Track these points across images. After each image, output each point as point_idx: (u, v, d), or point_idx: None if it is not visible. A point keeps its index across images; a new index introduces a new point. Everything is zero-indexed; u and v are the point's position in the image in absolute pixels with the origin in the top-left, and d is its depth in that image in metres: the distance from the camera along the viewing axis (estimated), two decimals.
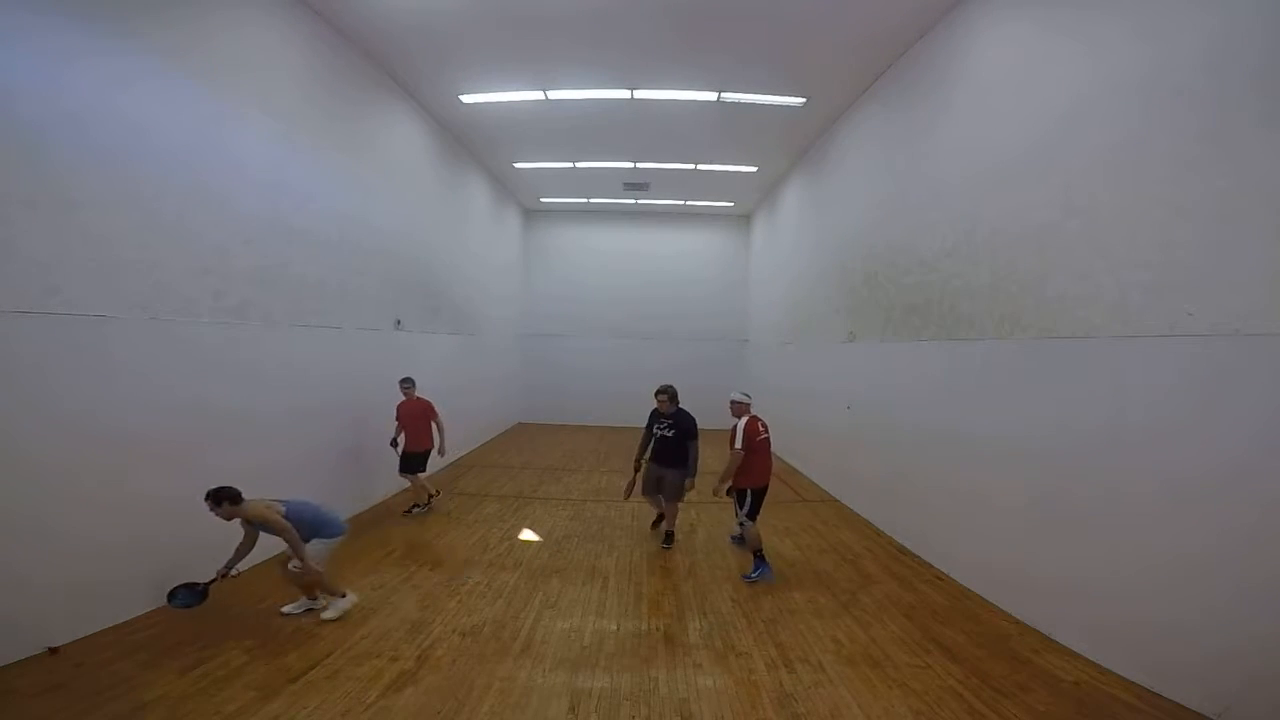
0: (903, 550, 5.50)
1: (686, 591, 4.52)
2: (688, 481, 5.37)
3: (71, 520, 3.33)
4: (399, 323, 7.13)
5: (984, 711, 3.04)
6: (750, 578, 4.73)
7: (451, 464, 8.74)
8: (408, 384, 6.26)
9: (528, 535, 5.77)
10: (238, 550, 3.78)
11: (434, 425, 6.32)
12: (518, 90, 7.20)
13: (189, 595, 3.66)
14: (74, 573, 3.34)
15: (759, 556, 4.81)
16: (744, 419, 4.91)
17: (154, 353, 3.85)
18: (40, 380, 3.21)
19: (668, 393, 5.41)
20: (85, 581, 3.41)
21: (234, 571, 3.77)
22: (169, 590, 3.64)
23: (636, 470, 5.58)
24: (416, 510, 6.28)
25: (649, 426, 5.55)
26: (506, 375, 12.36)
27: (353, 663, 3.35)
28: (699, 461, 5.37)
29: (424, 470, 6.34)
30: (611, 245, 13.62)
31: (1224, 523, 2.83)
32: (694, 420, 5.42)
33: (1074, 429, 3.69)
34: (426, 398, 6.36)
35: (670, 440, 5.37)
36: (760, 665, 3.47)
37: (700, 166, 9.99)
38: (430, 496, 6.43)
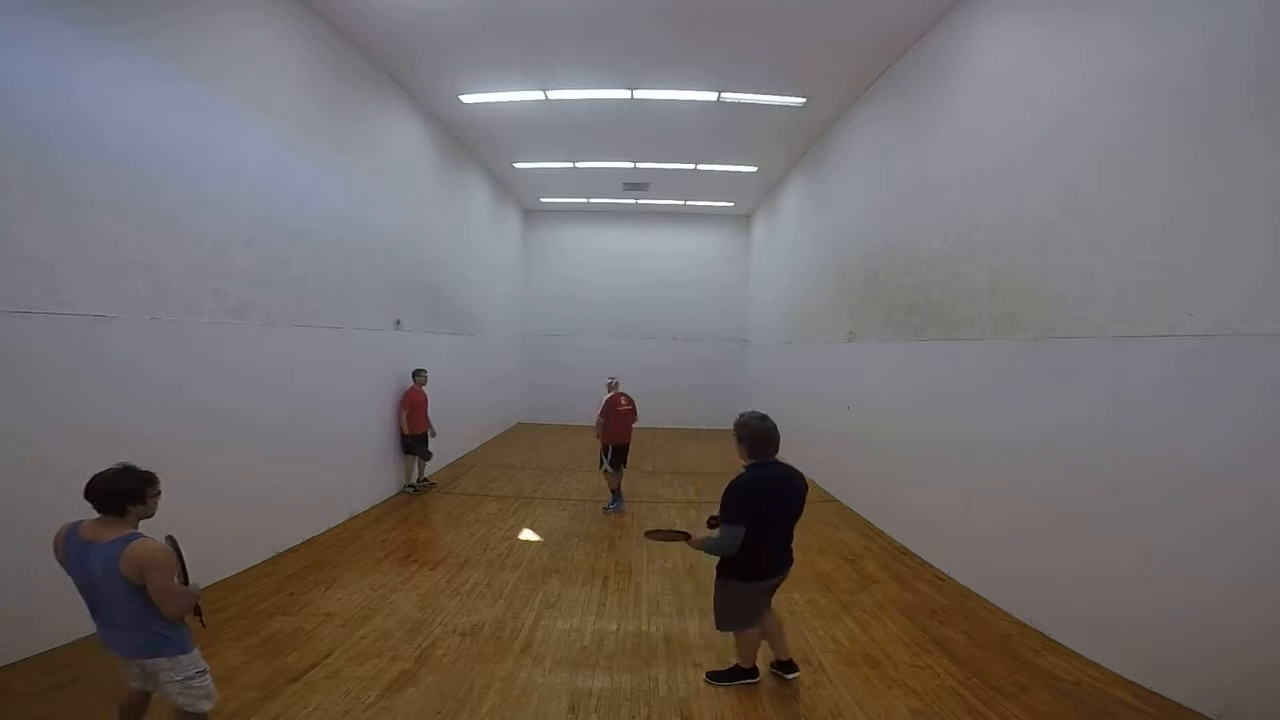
0: (903, 550, 5.50)
1: (686, 591, 4.52)
2: None
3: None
4: (399, 323, 7.13)
5: (984, 711, 3.04)
6: (608, 509, 6.61)
7: (451, 464, 8.74)
8: (423, 375, 7.12)
9: (528, 535, 5.77)
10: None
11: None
12: (518, 90, 7.20)
13: None
14: None
15: (616, 494, 6.74)
16: (609, 394, 6.63)
17: (154, 353, 3.85)
18: (40, 380, 3.21)
19: (766, 427, 2.99)
20: None
21: None
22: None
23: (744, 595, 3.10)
24: (412, 488, 7.15)
25: (752, 504, 2.87)
26: (506, 375, 12.36)
27: (353, 663, 3.35)
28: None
29: (429, 456, 7.28)
30: (611, 245, 13.61)
31: (1223, 522, 2.83)
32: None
33: (1073, 429, 3.68)
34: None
35: (790, 521, 3.06)
36: (760, 665, 3.47)
37: (700, 166, 9.99)
38: (423, 481, 7.38)
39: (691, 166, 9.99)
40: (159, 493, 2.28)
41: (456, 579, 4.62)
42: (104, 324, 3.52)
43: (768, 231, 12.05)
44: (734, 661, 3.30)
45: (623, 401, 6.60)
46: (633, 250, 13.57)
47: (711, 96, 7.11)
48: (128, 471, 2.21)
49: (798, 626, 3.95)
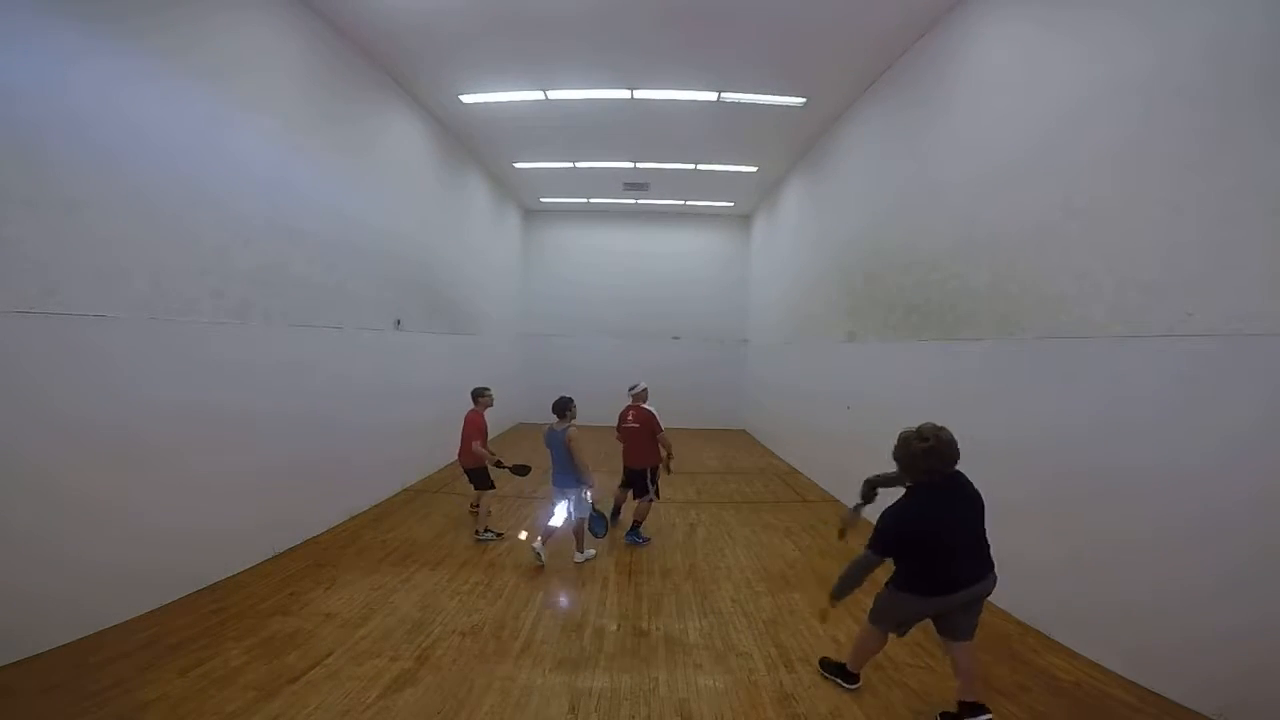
0: None
1: (686, 591, 4.52)
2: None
3: (70, 521, 3.32)
4: (399, 323, 7.13)
5: None
6: (627, 540, 5.59)
7: (452, 464, 8.72)
8: (488, 396, 5.82)
9: (528, 535, 5.76)
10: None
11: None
12: (518, 90, 7.19)
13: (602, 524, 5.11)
14: (72, 573, 3.34)
15: (632, 523, 5.68)
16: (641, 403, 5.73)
17: (154, 353, 3.85)
18: (39, 381, 3.21)
19: (921, 449, 2.72)
20: (84, 582, 3.41)
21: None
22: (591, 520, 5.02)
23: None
24: (484, 536, 5.57)
25: (907, 538, 2.75)
26: (506, 375, 12.32)
27: (353, 663, 3.35)
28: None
29: (491, 487, 5.72)
30: (611, 245, 13.61)
31: (1223, 522, 2.83)
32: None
33: (1073, 428, 3.68)
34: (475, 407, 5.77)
35: (970, 536, 2.82)
36: (760, 665, 3.48)
37: (700, 166, 9.99)
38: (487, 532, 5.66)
39: (691, 166, 9.99)
40: (575, 408, 5.00)
41: (456, 579, 4.62)
42: (103, 324, 3.52)
43: (768, 231, 12.05)
44: (841, 661, 3.28)
45: (629, 417, 5.63)
46: (633, 250, 13.57)
47: (711, 96, 7.11)
48: (565, 398, 5.04)
49: (798, 626, 3.95)
